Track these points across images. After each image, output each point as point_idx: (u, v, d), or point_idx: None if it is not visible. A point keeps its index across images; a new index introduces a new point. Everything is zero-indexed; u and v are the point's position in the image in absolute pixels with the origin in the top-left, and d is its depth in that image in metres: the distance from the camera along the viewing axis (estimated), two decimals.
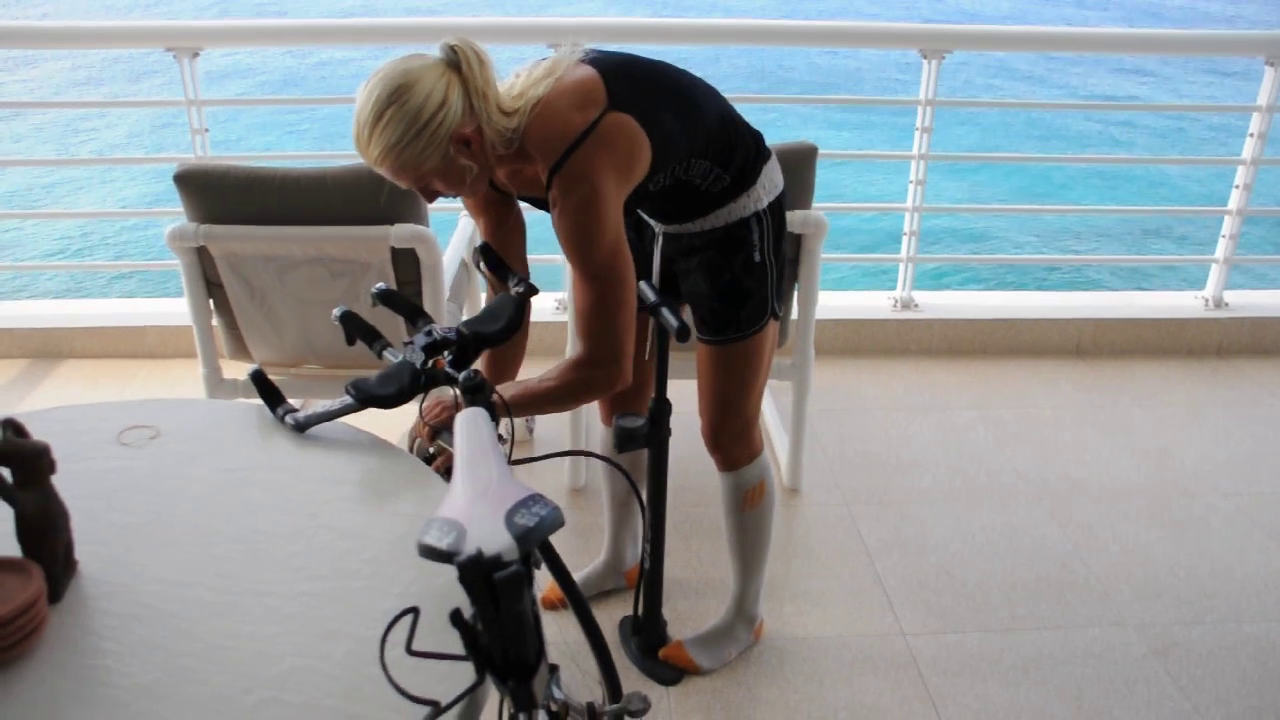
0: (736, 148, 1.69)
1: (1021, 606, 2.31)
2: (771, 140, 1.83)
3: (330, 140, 11.33)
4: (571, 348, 2.56)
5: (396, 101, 1.41)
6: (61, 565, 1.15)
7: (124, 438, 1.47)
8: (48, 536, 1.14)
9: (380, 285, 1.56)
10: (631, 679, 2.07)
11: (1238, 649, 2.19)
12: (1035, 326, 3.58)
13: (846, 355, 3.53)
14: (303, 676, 1.04)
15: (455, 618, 0.91)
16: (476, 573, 0.89)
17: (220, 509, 1.32)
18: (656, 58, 1.66)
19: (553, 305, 3.45)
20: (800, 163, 2.30)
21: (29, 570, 1.10)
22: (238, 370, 2.42)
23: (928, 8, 23.18)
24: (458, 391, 1.38)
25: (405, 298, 1.56)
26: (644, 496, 2.01)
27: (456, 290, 2.64)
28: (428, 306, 2.28)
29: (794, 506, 2.67)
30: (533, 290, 1.59)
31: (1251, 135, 3.48)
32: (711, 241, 1.75)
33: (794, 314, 2.51)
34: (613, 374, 1.56)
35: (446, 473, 1.51)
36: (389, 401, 1.37)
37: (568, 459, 2.72)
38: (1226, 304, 3.69)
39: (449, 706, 0.95)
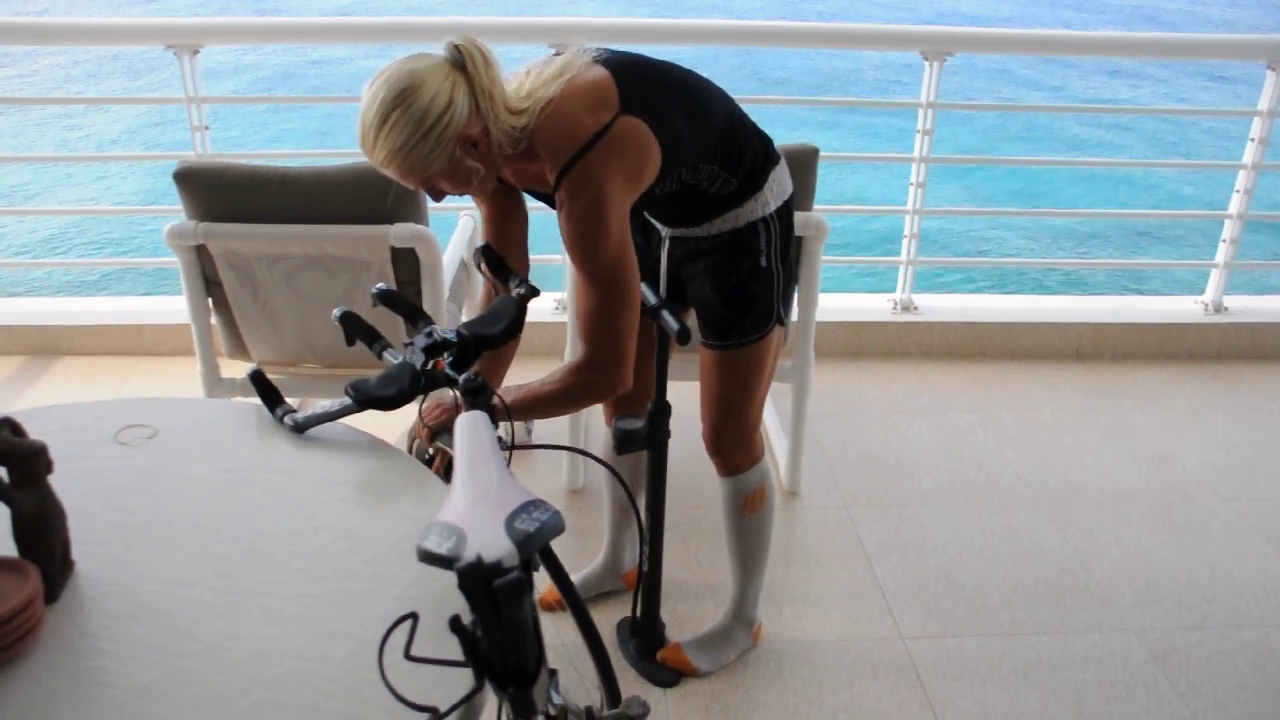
0: (745, 151, 1.68)
1: (1021, 610, 2.30)
2: None
3: (328, 135, 11.32)
4: (572, 349, 2.56)
5: (402, 104, 1.40)
6: (58, 565, 1.15)
7: (122, 437, 1.47)
8: (44, 536, 1.13)
9: (380, 285, 1.56)
10: (629, 681, 2.06)
11: (1236, 654, 2.19)
12: (1035, 330, 3.58)
13: (846, 358, 3.52)
14: (301, 678, 1.04)
15: (454, 624, 0.90)
16: (476, 579, 0.88)
17: (219, 509, 1.31)
18: (664, 58, 1.65)
19: (552, 305, 3.44)
20: (801, 164, 2.30)
21: (25, 570, 1.09)
22: (236, 369, 2.42)
23: (928, 10, 23.19)
24: (458, 394, 1.38)
25: (405, 298, 1.55)
26: (640, 500, 2.00)
27: (456, 290, 2.64)
28: (427, 306, 2.28)
29: (793, 509, 2.66)
30: (534, 292, 1.58)
31: (1253, 140, 3.48)
32: (718, 246, 1.74)
33: (794, 316, 2.51)
34: (614, 378, 1.55)
35: (446, 472, 1.51)
36: (389, 403, 1.36)
37: (565, 460, 2.72)
38: (1226, 309, 3.69)
39: (448, 713, 0.95)
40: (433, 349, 1.41)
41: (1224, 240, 3.66)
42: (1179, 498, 2.77)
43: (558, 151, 1.49)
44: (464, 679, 0.99)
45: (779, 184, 1.75)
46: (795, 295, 2.47)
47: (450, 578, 0.91)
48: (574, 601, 1.45)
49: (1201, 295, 3.74)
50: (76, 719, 0.98)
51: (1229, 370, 3.55)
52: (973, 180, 10.04)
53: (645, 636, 2.10)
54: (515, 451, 1.60)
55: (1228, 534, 2.61)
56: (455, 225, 2.91)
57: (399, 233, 2.17)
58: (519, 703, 0.95)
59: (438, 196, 1.56)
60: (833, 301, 3.64)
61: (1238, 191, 3.57)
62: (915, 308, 3.61)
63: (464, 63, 1.44)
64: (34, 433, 1.15)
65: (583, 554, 2.41)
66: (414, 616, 0.94)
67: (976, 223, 8.88)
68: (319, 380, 2.43)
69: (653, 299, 1.77)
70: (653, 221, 1.84)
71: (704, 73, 1.71)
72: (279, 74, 14.86)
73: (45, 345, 3.43)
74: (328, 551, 1.24)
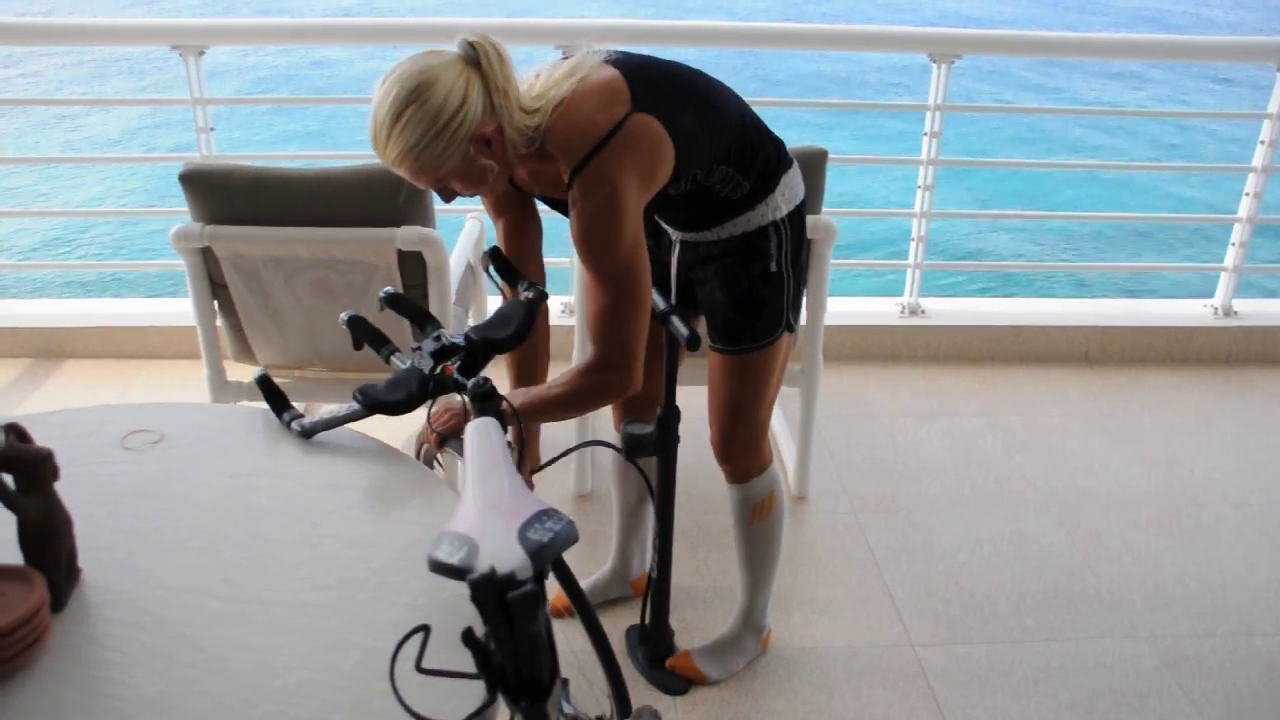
0: (758, 153, 1.67)
1: (1031, 617, 2.28)
2: None
3: (327, 136, 11.32)
4: (580, 351, 2.55)
5: (416, 101, 1.37)
6: (64, 573, 1.13)
7: (128, 442, 1.46)
8: (50, 544, 1.12)
9: (388, 289, 1.55)
10: (638, 689, 2.05)
11: (1249, 662, 2.17)
12: (1044, 334, 3.56)
13: (854, 361, 3.51)
14: (309, 690, 1.02)
15: (467, 637, 0.89)
16: (490, 591, 0.87)
17: (225, 515, 1.30)
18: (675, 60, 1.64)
19: (559, 308, 3.43)
20: (810, 167, 2.28)
21: (31, 578, 1.08)
22: (242, 372, 2.41)
23: (931, 12, 23.17)
24: (466, 399, 1.36)
25: (413, 302, 1.54)
26: (654, 500, 1.98)
27: (462, 294, 2.62)
28: (433, 310, 2.26)
29: (802, 514, 2.64)
30: (543, 295, 1.57)
31: (1262, 143, 3.46)
32: (729, 250, 1.73)
33: (803, 320, 2.49)
34: (624, 379, 1.54)
35: (440, 442, 1.49)
36: (397, 408, 1.35)
37: (573, 465, 2.70)
38: (1235, 312, 3.67)
39: None
40: (441, 353, 1.40)
41: (1233, 244, 3.64)
42: (1188, 502, 2.75)
43: (571, 150, 1.47)
44: (475, 691, 0.97)
45: (791, 188, 1.73)
46: (804, 298, 2.46)
47: (459, 586, 0.90)
48: (584, 609, 1.44)
49: (1210, 299, 3.72)
50: None
51: (1238, 374, 3.53)
52: (972, 182, 10.00)
53: (654, 644, 2.09)
54: (523, 457, 1.59)
55: (1237, 539, 2.59)
56: (461, 228, 2.89)
57: (406, 235, 2.16)
58: (533, 716, 0.93)
59: (448, 197, 1.53)
60: (840, 305, 3.61)
61: (1247, 195, 3.55)
62: (923, 311, 3.59)
63: (478, 59, 1.42)
64: (39, 438, 1.14)
65: (591, 560, 2.39)
66: (426, 629, 0.92)
67: (978, 224, 8.84)
68: (325, 384, 2.42)
69: (662, 304, 1.75)
70: (664, 226, 1.83)
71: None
72: (280, 75, 14.83)
73: (50, 348, 3.42)
74: (335, 559, 1.23)
